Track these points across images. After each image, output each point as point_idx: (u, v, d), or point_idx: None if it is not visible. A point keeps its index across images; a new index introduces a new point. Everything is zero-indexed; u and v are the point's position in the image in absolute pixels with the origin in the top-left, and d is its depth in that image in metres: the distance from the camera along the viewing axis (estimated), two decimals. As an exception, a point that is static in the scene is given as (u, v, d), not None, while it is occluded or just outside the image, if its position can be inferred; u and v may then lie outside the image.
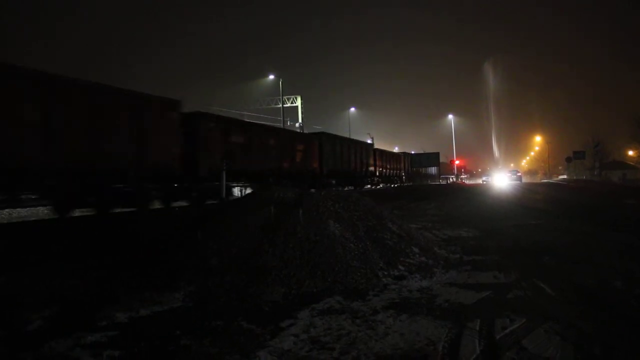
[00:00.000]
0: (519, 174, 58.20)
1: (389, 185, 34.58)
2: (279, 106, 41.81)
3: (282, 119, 40.34)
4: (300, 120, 42.21)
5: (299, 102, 42.79)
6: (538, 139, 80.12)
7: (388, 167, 34.27)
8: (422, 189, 29.20)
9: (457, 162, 64.81)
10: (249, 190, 15.13)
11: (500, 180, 52.57)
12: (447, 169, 63.76)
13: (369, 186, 29.45)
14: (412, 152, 53.45)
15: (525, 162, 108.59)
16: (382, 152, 34.01)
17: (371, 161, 29.33)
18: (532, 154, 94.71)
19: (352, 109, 57.61)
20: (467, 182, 62.27)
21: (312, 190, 17.50)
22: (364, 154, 27.54)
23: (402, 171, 39.37)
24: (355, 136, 40.10)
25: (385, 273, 4.99)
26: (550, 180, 57.36)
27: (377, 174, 30.82)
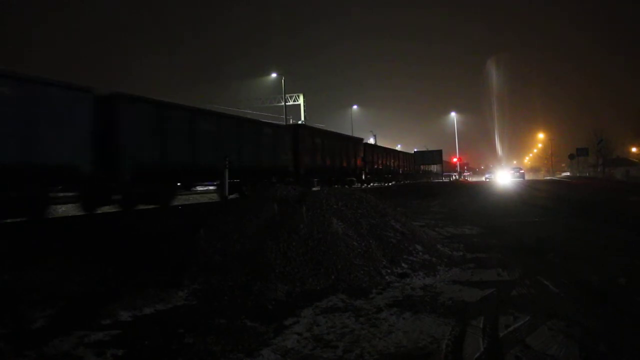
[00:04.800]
0: (522, 171, 58.14)
1: (407, 181, 39.98)
2: (281, 104, 41.82)
3: (284, 117, 40.31)
4: (302, 119, 42.19)
5: (301, 100, 42.78)
6: (541, 136, 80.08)
7: (409, 166, 42.18)
8: (425, 187, 29.28)
9: (459, 159, 64.64)
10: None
11: (503, 177, 52.46)
12: (449, 166, 63.67)
13: (394, 182, 35.62)
14: (415, 150, 53.50)
15: (528, 160, 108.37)
16: (405, 154, 42.64)
17: (398, 162, 36.74)
18: (535, 151, 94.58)
19: (355, 107, 57.63)
20: (469, 179, 62.11)
21: (358, 184, 26.65)
22: (391, 157, 35.30)
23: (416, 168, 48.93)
24: (358, 133, 40.36)
25: (389, 271, 4.99)
26: (554, 178, 57.22)
27: (401, 171, 37.68)
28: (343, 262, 4.83)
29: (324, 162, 22.42)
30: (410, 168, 43.40)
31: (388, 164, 35.25)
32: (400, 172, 39.62)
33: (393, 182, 36.30)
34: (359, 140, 29.38)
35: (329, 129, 30.40)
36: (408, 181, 40.91)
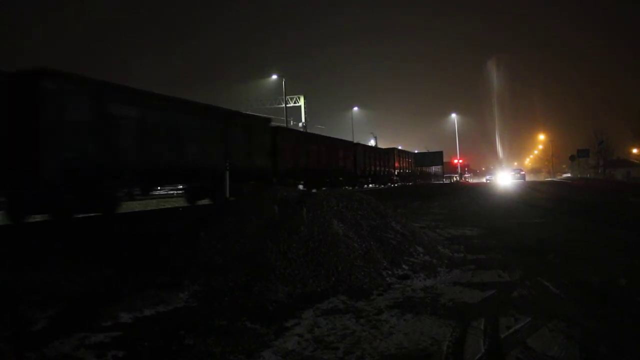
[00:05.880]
0: (523, 172, 58.13)
1: (375, 186, 37.58)
2: (282, 106, 41.85)
3: (285, 118, 40.32)
4: (303, 120, 42.22)
5: (302, 102, 42.80)
6: (542, 137, 79.98)
7: (382, 165, 39.50)
8: (426, 188, 29.28)
9: (460, 161, 64.66)
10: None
11: (504, 178, 52.45)
12: (450, 167, 63.68)
13: (350, 187, 32.37)
14: (416, 151, 53.50)
15: (529, 161, 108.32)
16: (368, 148, 40.54)
17: (352, 159, 33.37)
18: (536, 152, 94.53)
19: (355, 108, 57.60)
20: (470, 180, 62.12)
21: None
22: (340, 152, 32.15)
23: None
24: (358, 135, 40.50)
25: (389, 272, 4.98)
26: (554, 179, 57.19)
27: (359, 172, 33.11)
28: (344, 264, 4.83)
29: (149, 157, 12.14)
30: (382, 168, 35.92)
31: (330, 161, 25.80)
32: (358, 173, 30.77)
33: (351, 188, 27.96)
34: (261, 122, 18.74)
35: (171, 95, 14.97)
36: (374, 186, 34.20)
